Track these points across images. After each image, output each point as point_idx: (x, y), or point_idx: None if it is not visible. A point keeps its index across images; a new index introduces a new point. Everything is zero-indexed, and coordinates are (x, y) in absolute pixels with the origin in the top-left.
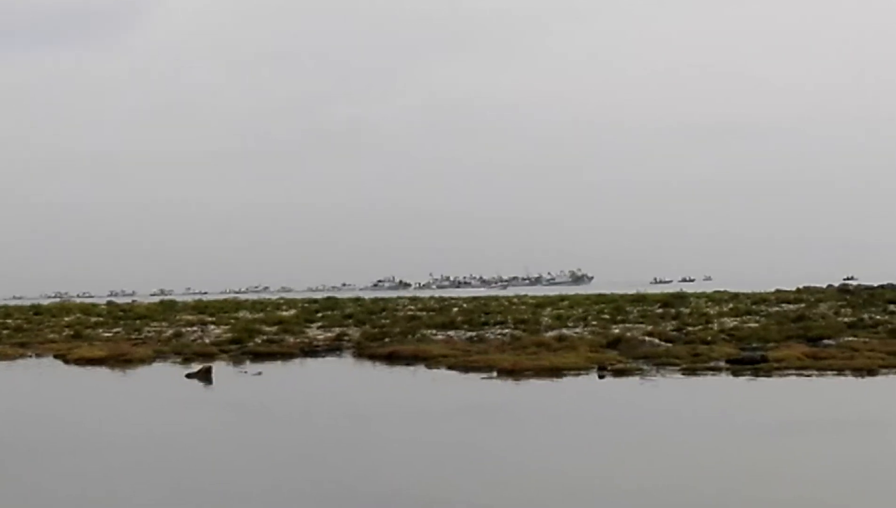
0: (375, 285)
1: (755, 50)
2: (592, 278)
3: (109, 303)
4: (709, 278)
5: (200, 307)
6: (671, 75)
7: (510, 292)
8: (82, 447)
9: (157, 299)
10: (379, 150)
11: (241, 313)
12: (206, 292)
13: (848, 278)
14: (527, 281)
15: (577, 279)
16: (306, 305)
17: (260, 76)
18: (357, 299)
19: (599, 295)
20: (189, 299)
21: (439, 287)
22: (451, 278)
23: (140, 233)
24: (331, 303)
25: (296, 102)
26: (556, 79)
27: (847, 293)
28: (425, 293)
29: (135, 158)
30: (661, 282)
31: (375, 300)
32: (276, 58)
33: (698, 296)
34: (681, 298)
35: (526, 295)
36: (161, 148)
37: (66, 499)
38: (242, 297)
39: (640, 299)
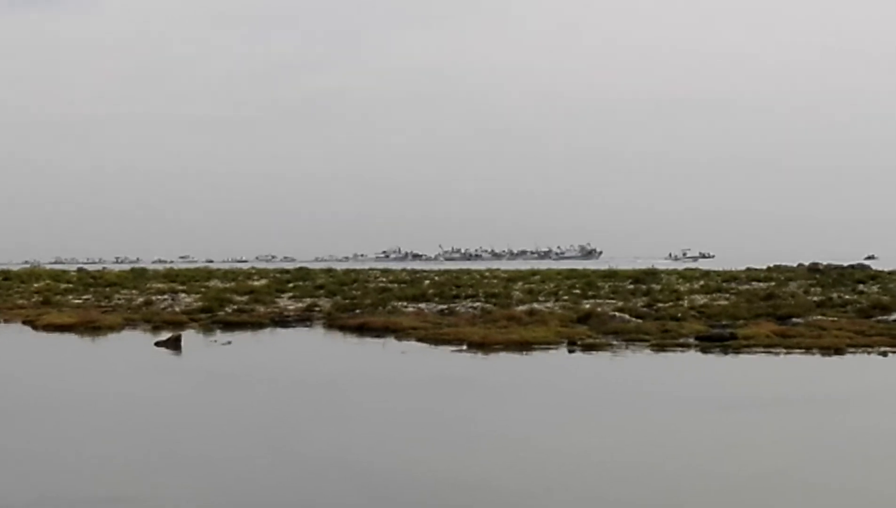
0: (382, 256)
1: (744, 27)
2: (602, 252)
3: (80, 270)
4: (711, 256)
5: (171, 276)
6: (658, 50)
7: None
8: (43, 410)
9: (160, 266)
10: (380, 121)
11: (212, 283)
12: (211, 261)
13: (869, 257)
14: (535, 255)
15: (587, 254)
16: (278, 275)
17: (240, 41)
18: (329, 271)
19: (571, 270)
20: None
21: (447, 260)
22: (462, 251)
23: (151, 199)
24: (302, 274)
25: (281, 68)
26: (537, 48)
27: (817, 273)
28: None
29: (122, 121)
30: (676, 258)
31: (347, 272)
32: (258, 21)
33: (669, 273)
34: (652, 274)
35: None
36: (154, 111)
37: (22, 458)
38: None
39: (611, 274)
